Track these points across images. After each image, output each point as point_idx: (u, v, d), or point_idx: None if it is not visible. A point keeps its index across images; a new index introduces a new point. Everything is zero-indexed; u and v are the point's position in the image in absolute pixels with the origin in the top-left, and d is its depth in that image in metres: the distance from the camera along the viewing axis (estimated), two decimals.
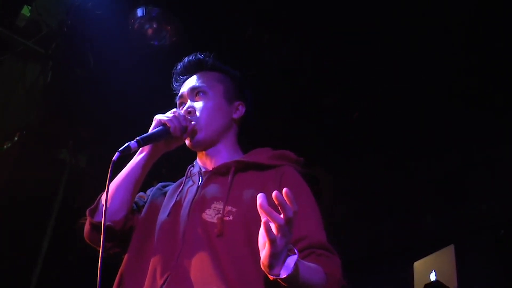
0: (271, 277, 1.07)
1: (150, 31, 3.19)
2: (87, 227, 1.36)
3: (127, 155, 1.28)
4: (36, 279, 3.38)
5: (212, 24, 3.20)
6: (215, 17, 3.18)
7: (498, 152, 3.41)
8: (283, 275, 1.04)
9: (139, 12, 3.15)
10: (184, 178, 1.47)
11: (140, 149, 1.37)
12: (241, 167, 1.39)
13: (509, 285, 3.04)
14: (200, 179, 1.42)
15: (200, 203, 1.33)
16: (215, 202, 1.31)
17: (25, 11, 3.44)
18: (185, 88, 1.52)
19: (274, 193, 1.00)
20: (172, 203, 1.38)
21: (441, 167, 3.70)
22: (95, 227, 1.32)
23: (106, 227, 1.17)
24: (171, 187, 1.50)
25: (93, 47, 3.37)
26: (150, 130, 1.36)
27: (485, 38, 2.93)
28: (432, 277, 2.99)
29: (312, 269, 1.15)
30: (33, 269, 3.40)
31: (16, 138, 3.52)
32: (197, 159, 1.51)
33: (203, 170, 1.46)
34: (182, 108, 1.49)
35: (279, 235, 1.02)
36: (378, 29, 3.05)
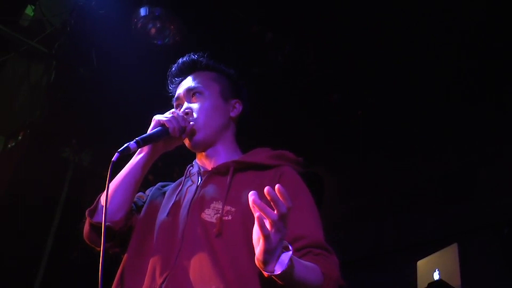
0: (265, 274, 1.07)
1: (153, 31, 3.20)
2: (86, 227, 1.36)
3: (126, 156, 1.28)
4: (41, 277, 3.40)
5: (216, 23, 3.20)
6: (218, 16, 3.18)
7: (502, 150, 3.39)
8: (278, 271, 1.05)
9: (142, 11, 3.15)
10: (183, 178, 1.48)
11: (139, 149, 1.37)
12: (240, 167, 1.39)
13: None
14: (199, 179, 1.42)
15: (199, 203, 1.33)
16: (214, 202, 1.31)
17: (29, 11, 3.46)
18: (181, 89, 1.52)
19: (266, 189, 1.00)
20: (171, 203, 1.38)
21: (445, 166, 3.69)
22: (94, 227, 1.33)
23: (105, 227, 1.17)
24: (170, 186, 1.50)
25: (96, 47, 3.38)
26: (149, 131, 1.36)
27: (485, 37, 2.93)
28: (436, 276, 2.98)
29: (309, 268, 1.15)
30: (38, 267, 3.42)
31: (20, 137, 3.53)
32: (196, 158, 1.52)
33: (202, 170, 1.46)
34: (179, 109, 1.48)
35: (273, 230, 1.02)
36: (381, 27, 3.04)
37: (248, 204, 1.01)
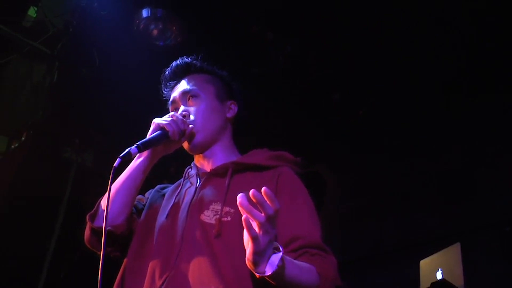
0: (257, 275, 1.07)
1: (155, 32, 3.21)
2: (87, 232, 1.36)
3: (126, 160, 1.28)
4: (44, 278, 3.41)
5: (217, 23, 3.21)
6: (219, 16, 3.19)
7: (504, 148, 3.39)
8: (268, 272, 1.05)
9: (144, 12, 3.16)
10: (182, 179, 1.48)
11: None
12: (238, 168, 1.39)
13: None
14: (198, 181, 1.43)
15: (198, 204, 1.34)
16: (213, 203, 1.31)
17: (31, 12, 3.47)
18: (176, 92, 1.51)
19: (251, 192, 1.01)
20: (171, 205, 1.39)
21: (447, 165, 3.69)
22: (95, 232, 1.33)
23: (106, 232, 1.17)
24: (169, 189, 1.50)
25: (98, 47, 3.39)
26: (149, 134, 1.36)
27: (485, 37, 2.93)
28: (439, 275, 2.97)
29: (303, 269, 1.15)
30: (41, 268, 3.43)
31: (23, 138, 3.55)
32: (194, 160, 1.52)
33: (201, 171, 1.46)
34: (176, 112, 1.47)
35: (261, 232, 1.03)
36: (382, 27, 3.04)
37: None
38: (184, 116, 1.43)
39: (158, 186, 1.55)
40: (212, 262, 1.22)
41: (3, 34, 3.31)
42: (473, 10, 2.82)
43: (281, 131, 3.79)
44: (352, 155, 3.98)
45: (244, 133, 1.58)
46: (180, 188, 1.45)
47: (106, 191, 1.24)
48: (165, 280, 1.23)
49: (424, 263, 3.20)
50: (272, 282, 1.09)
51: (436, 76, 3.28)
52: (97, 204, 1.37)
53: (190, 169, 1.51)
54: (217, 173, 1.41)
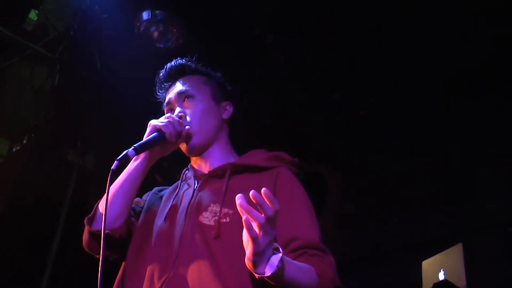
0: (256, 276, 1.08)
1: (156, 34, 3.21)
2: (85, 235, 1.36)
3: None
4: (46, 280, 3.42)
5: (217, 24, 3.21)
6: (219, 17, 3.19)
7: (506, 148, 3.39)
8: (268, 273, 1.05)
9: (145, 15, 3.16)
10: (179, 181, 1.48)
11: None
12: (236, 170, 1.39)
13: None
14: (196, 182, 1.43)
15: (197, 206, 1.33)
16: (211, 204, 1.31)
17: (33, 15, 3.48)
18: (171, 94, 1.51)
19: (251, 193, 1.01)
20: (168, 207, 1.38)
21: (449, 165, 3.69)
22: (94, 235, 1.32)
23: (105, 235, 1.17)
24: (166, 191, 1.50)
25: (99, 50, 3.40)
26: (146, 136, 1.35)
27: (485, 36, 2.93)
28: (441, 276, 2.97)
29: (302, 269, 1.15)
30: (43, 270, 3.43)
31: (24, 141, 3.55)
32: (191, 162, 1.51)
33: (198, 173, 1.46)
34: (173, 114, 1.47)
35: (261, 233, 1.03)
36: (382, 26, 3.04)
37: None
38: (180, 117, 1.43)
39: (155, 188, 1.55)
40: (211, 264, 1.22)
41: (5, 37, 3.33)
42: (473, 10, 2.83)
43: (282, 131, 3.79)
44: (353, 155, 3.97)
45: (243, 133, 1.57)
46: (177, 190, 1.44)
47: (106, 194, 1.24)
48: (164, 281, 1.23)
49: (426, 264, 3.19)
50: (271, 282, 1.09)
51: (436, 76, 3.28)
52: (95, 207, 1.37)
53: (187, 171, 1.50)
54: (215, 175, 1.40)
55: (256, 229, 1.03)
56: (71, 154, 3.76)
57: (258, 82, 3.47)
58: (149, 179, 1.43)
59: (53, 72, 3.57)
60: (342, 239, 3.88)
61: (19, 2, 3.37)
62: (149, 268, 1.28)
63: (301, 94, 3.63)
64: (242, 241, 1.10)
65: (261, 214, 1.03)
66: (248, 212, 1.02)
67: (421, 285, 3.17)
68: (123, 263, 1.37)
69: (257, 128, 3.55)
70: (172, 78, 1.55)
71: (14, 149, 3.62)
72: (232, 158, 1.48)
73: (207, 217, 1.29)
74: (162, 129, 1.35)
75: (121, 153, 1.26)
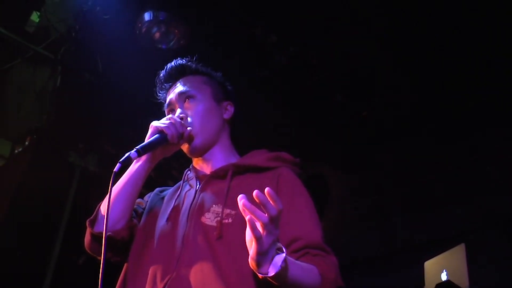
0: (260, 276, 1.07)
1: (157, 35, 3.22)
2: (87, 237, 1.36)
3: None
4: (49, 281, 3.42)
5: (219, 25, 3.21)
6: (222, 19, 3.19)
7: (508, 146, 3.38)
8: (271, 273, 1.05)
9: (147, 16, 3.17)
10: (181, 182, 1.48)
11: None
12: (238, 170, 1.39)
13: None
14: (197, 183, 1.42)
15: (199, 207, 1.33)
16: (214, 205, 1.31)
17: (34, 17, 3.49)
18: (172, 94, 1.50)
19: (254, 193, 1.01)
20: (170, 208, 1.38)
21: (450, 164, 3.68)
22: (96, 237, 1.32)
23: (107, 237, 1.16)
24: (168, 191, 1.50)
25: (101, 52, 3.40)
26: (147, 138, 1.35)
27: (486, 37, 2.92)
28: (443, 276, 2.96)
29: (305, 269, 1.15)
30: (46, 271, 3.43)
31: (26, 143, 3.56)
32: (193, 163, 1.51)
33: (200, 173, 1.46)
34: (174, 114, 1.47)
35: (264, 233, 1.03)
36: (382, 27, 3.05)
37: None
38: (182, 118, 1.42)
39: (157, 189, 1.55)
40: (213, 264, 1.22)
41: (7, 39, 3.33)
42: (473, 10, 2.82)
43: (284, 131, 3.79)
44: (356, 155, 3.97)
45: (244, 134, 1.57)
46: (179, 190, 1.44)
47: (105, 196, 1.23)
48: (166, 283, 1.23)
49: (428, 264, 3.18)
50: (274, 282, 1.08)
51: (436, 76, 3.27)
52: (96, 209, 1.36)
53: (189, 172, 1.50)
54: (217, 175, 1.40)
55: (260, 228, 1.03)
56: (73, 155, 3.77)
57: (260, 83, 3.47)
58: (149, 179, 1.43)
59: (55, 74, 3.58)
60: (343, 239, 3.87)
61: (21, 4, 3.38)
62: (151, 269, 1.28)
63: (303, 95, 3.64)
64: (244, 241, 1.10)
65: (265, 214, 1.02)
66: (252, 212, 1.02)
67: (424, 286, 3.16)
68: (125, 265, 1.37)
69: (259, 129, 3.55)
70: (172, 78, 1.54)
71: (16, 151, 3.62)
72: (233, 159, 1.47)
73: (209, 218, 1.29)
74: (164, 131, 1.34)
75: (123, 155, 1.25)
